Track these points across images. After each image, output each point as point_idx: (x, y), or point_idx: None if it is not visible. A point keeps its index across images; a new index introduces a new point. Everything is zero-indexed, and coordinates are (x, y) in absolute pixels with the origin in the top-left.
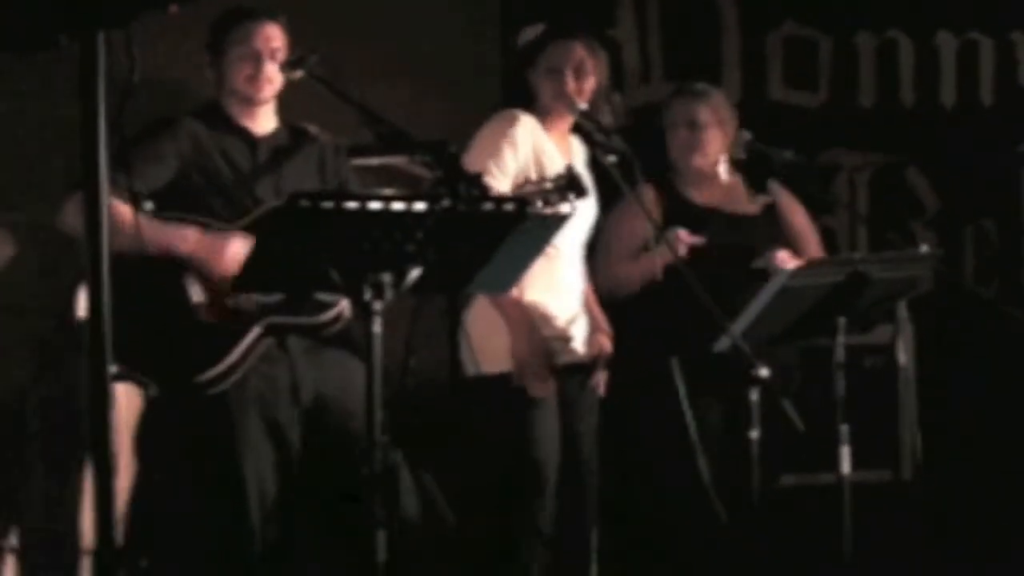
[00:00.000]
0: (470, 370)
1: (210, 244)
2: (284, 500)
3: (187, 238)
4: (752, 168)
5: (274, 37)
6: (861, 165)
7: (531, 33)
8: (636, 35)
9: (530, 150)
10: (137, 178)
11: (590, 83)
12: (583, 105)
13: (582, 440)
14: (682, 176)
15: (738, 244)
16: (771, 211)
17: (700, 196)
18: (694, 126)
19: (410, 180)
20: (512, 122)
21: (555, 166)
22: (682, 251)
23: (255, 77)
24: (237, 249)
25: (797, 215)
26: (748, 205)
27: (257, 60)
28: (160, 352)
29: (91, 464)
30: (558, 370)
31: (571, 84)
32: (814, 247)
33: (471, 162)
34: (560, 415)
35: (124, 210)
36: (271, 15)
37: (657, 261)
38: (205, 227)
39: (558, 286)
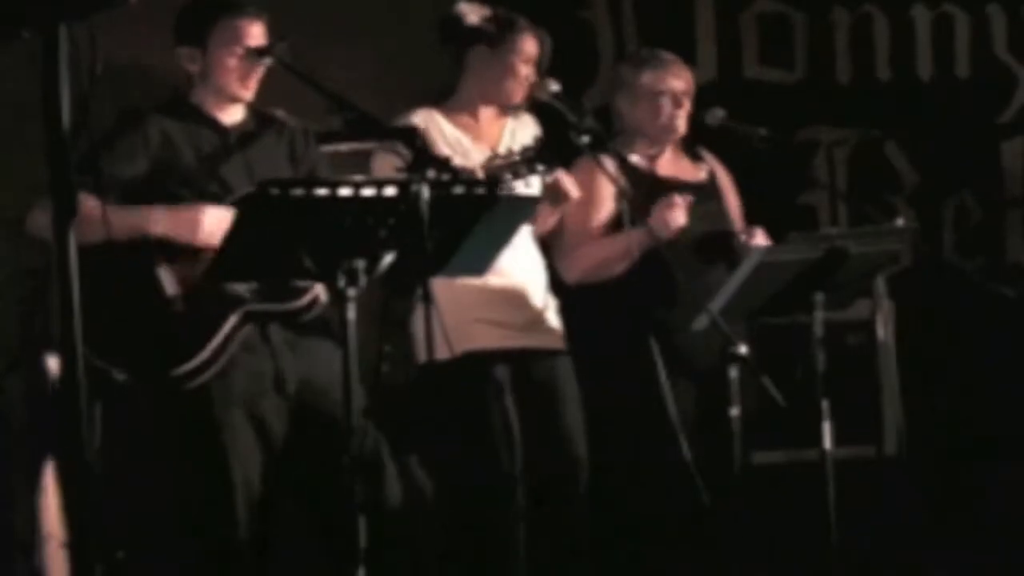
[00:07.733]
0: (440, 353)
1: (182, 218)
2: (268, 491)
3: (157, 217)
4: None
5: (260, 35)
6: (839, 141)
7: (473, 14)
8: (609, 13)
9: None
10: (106, 177)
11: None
12: (555, 86)
13: (557, 422)
14: (639, 147)
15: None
16: (713, 178)
17: (659, 168)
18: (687, 95)
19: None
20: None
21: (470, 156)
22: (681, 222)
23: (247, 80)
24: (212, 217)
25: (730, 193)
26: (695, 172)
27: (251, 62)
28: (135, 346)
29: (62, 460)
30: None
31: (528, 75)
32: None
33: (379, 169)
34: (521, 401)
35: (89, 201)
36: (255, 12)
37: (634, 237)
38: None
39: (498, 270)
